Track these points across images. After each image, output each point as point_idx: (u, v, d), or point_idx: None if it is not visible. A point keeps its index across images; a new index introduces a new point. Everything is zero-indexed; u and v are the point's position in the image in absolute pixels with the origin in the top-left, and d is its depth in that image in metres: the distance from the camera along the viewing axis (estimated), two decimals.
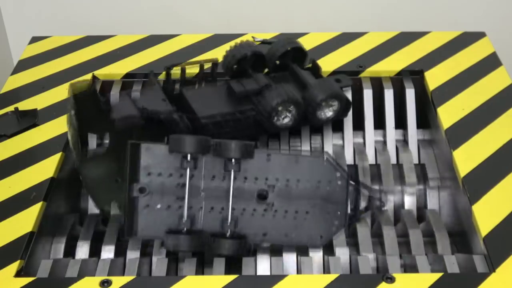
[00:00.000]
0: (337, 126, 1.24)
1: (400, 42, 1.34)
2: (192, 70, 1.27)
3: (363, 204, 1.05)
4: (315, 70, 1.20)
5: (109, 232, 1.06)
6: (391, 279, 0.89)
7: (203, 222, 0.97)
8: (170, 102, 1.09)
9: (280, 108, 1.08)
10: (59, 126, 1.15)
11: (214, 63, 1.20)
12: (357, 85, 1.25)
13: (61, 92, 1.23)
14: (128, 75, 1.28)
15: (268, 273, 1.00)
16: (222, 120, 1.09)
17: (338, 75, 1.21)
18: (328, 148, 1.22)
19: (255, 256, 1.01)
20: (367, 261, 0.99)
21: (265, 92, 1.09)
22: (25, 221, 0.98)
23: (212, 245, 0.96)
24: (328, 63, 1.28)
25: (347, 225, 1.02)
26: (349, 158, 1.21)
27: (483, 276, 0.89)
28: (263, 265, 1.01)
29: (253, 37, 1.36)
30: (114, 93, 1.26)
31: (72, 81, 1.11)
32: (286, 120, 1.11)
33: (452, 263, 0.96)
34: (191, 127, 1.07)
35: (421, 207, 1.15)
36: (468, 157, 1.07)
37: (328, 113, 1.13)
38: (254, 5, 1.71)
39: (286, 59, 1.18)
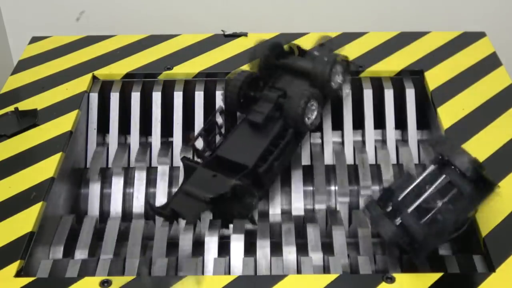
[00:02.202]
0: (337, 125, 1.24)
1: (400, 42, 1.34)
2: (190, 70, 1.28)
3: None
4: (295, 50, 1.20)
5: (109, 232, 1.07)
6: (391, 279, 0.89)
7: None
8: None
9: (307, 106, 1.09)
10: (59, 126, 1.15)
11: (218, 112, 1.17)
12: (357, 85, 1.25)
13: (61, 92, 1.23)
14: (128, 75, 1.28)
15: (268, 273, 1.00)
16: (268, 155, 1.07)
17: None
18: (328, 147, 1.22)
19: (255, 256, 1.01)
20: (367, 261, 0.99)
21: (286, 103, 1.09)
22: (25, 221, 0.98)
23: None
24: None
25: None
26: (349, 157, 1.22)
27: (483, 276, 0.89)
28: (263, 265, 1.01)
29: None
30: (114, 93, 1.26)
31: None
32: (315, 114, 1.11)
33: (452, 263, 0.96)
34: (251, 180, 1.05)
35: None
36: None
37: (338, 78, 1.15)
38: (254, 5, 1.71)
39: (271, 60, 1.17)
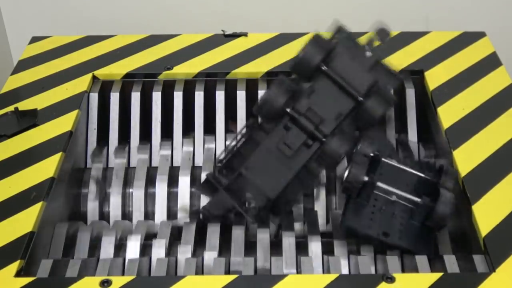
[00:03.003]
0: None
1: (400, 42, 1.34)
2: (190, 70, 1.28)
3: None
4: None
5: (109, 232, 1.07)
6: (391, 279, 0.89)
7: None
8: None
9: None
10: (59, 126, 1.15)
11: (250, 125, 1.11)
12: None
13: (61, 92, 1.23)
14: (128, 75, 1.28)
15: (268, 273, 1.00)
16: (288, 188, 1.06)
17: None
18: None
19: (255, 255, 1.01)
20: (367, 261, 0.99)
21: (326, 147, 1.03)
22: (25, 221, 0.98)
23: None
24: None
25: None
26: None
27: (483, 276, 0.89)
28: (263, 265, 1.01)
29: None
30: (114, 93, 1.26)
31: None
32: None
33: (452, 263, 0.96)
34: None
35: None
36: (468, 157, 1.07)
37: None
38: (254, 5, 1.71)
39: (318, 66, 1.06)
